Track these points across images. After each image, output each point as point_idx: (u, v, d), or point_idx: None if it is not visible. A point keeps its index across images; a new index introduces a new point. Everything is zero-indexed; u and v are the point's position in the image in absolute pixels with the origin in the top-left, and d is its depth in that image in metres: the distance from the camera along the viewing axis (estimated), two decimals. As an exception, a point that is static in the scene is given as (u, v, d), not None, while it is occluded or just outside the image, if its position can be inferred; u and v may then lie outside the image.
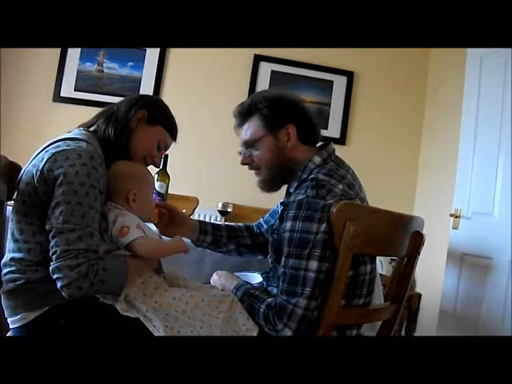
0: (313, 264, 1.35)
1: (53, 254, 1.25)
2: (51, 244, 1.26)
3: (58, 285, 1.24)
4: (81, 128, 1.49)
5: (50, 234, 1.26)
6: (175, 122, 1.60)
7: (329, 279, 1.35)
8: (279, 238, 1.49)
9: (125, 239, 1.34)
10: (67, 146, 1.33)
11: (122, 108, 1.50)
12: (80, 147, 1.33)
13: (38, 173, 1.31)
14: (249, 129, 1.59)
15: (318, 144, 1.63)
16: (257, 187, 1.65)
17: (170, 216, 1.73)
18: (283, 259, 1.42)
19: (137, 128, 1.50)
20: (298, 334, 1.36)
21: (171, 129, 1.58)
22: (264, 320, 1.40)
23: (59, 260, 1.23)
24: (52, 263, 1.25)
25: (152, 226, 1.63)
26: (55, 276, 1.24)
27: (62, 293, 1.24)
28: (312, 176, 1.47)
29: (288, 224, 1.40)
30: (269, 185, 1.62)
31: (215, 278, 1.66)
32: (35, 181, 1.31)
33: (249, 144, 1.59)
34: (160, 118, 1.54)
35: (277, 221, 1.56)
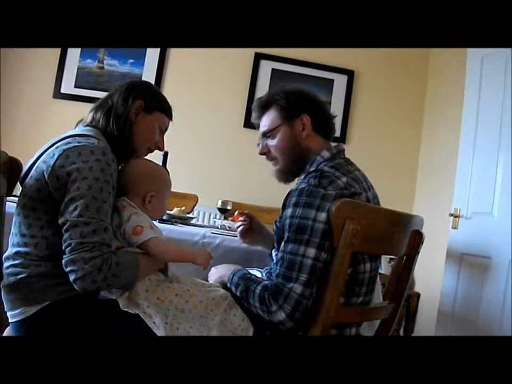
0: (311, 251, 1.36)
1: (67, 246, 1.25)
2: (64, 237, 1.26)
3: (72, 277, 1.23)
4: (86, 124, 1.49)
5: (64, 228, 1.26)
6: (168, 103, 1.62)
7: (327, 276, 1.36)
8: (281, 226, 1.50)
9: (139, 237, 1.35)
10: (78, 142, 1.34)
11: (118, 101, 1.50)
12: (92, 143, 1.34)
13: (49, 169, 1.31)
14: (267, 120, 1.65)
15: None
16: (275, 177, 1.69)
17: (251, 224, 1.89)
18: (282, 244, 1.43)
19: (137, 119, 1.51)
20: (293, 320, 1.35)
21: (167, 111, 1.60)
22: (260, 301, 1.40)
23: (73, 253, 1.23)
24: (65, 256, 1.25)
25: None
26: (68, 269, 1.24)
27: (75, 286, 1.24)
28: (318, 168, 1.52)
29: (289, 211, 1.43)
30: (285, 175, 1.66)
31: (212, 271, 1.67)
32: (46, 177, 1.31)
33: (266, 134, 1.64)
34: (156, 104, 1.56)
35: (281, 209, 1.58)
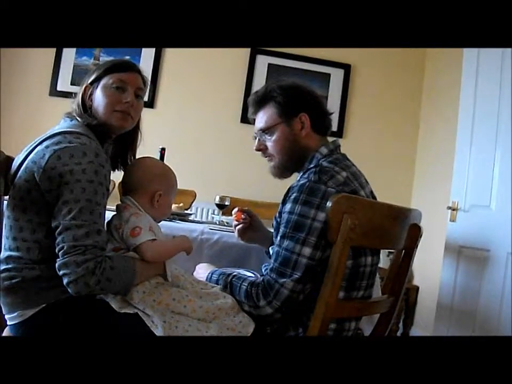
0: (307, 251, 1.36)
1: (60, 250, 1.24)
2: (57, 240, 1.24)
3: (65, 281, 1.22)
4: (71, 118, 1.47)
5: (57, 231, 1.25)
6: (116, 61, 1.53)
7: (325, 271, 1.36)
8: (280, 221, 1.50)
9: (136, 239, 1.33)
10: (69, 142, 1.31)
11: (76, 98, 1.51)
12: (83, 144, 1.31)
13: (41, 170, 1.28)
14: (264, 116, 1.61)
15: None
16: (270, 173, 1.66)
17: (250, 222, 1.88)
18: (278, 238, 1.43)
19: (92, 101, 1.48)
20: (281, 313, 1.38)
21: (113, 68, 1.48)
22: (246, 296, 1.41)
23: (66, 256, 1.22)
24: (58, 259, 1.24)
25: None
26: (61, 272, 1.23)
27: (68, 289, 1.23)
28: (317, 164, 1.50)
29: (288, 206, 1.42)
30: (281, 171, 1.63)
31: (198, 272, 1.68)
32: (37, 179, 1.28)
33: (263, 131, 1.60)
34: (99, 74, 1.48)
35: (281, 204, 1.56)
